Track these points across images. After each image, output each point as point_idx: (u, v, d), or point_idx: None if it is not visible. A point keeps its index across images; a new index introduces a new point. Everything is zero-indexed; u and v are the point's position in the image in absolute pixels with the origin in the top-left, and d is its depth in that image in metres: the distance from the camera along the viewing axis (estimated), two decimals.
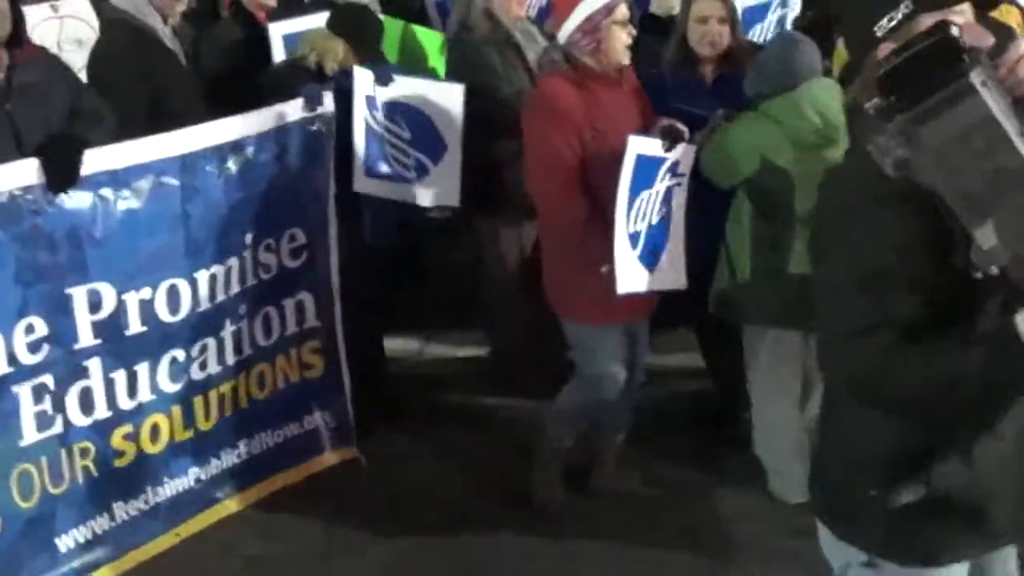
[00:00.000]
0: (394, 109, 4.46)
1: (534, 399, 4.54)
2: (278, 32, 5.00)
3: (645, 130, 3.81)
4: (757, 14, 5.60)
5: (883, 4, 2.02)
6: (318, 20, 4.73)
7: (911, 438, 2.06)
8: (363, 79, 4.38)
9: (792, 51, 3.98)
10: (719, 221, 4.06)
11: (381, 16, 5.05)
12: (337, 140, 4.23)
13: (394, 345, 5.26)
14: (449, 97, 4.44)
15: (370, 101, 4.40)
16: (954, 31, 1.82)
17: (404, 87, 4.47)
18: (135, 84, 4.28)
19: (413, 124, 4.47)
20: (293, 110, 4.07)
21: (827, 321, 2.05)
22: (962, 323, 1.92)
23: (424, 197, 4.56)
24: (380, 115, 4.45)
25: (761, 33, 5.60)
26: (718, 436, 4.56)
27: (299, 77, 4.34)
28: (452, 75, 4.94)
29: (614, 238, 3.67)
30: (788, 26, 5.39)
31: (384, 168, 4.51)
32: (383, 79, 4.41)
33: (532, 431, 4.31)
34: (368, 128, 4.44)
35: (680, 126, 3.85)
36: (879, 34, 2.01)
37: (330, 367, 4.39)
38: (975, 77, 1.76)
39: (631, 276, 3.76)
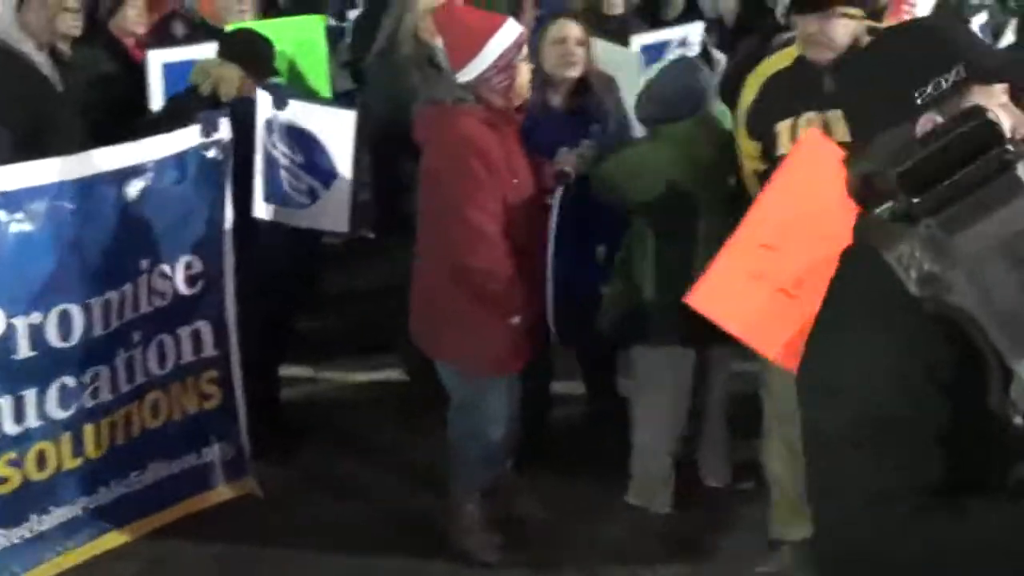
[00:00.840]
0: (289, 133, 4.48)
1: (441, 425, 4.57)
2: (157, 60, 4.96)
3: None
4: (655, 53, 5.73)
5: (927, 64, 1.67)
6: (201, 50, 4.73)
7: None
8: (264, 102, 4.40)
9: (693, 76, 4.11)
10: (586, 248, 4.14)
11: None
12: (233, 168, 4.21)
13: (290, 372, 5.23)
14: (341, 123, 4.48)
15: (268, 125, 4.41)
16: (992, 115, 1.54)
17: (299, 111, 4.49)
18: (4, 110, 4.17)
19: (306, 149, 4.50)
20: (190, 136, 4.06)
21: (820, 479, 1.65)
22: (990, 483, 1.55)
23: (315, 223, 4.60)
24: (277, 139, 4.46)
25: None
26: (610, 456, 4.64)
27: (194, 105, 4.33)
28: (373, 90, 5.01)
29: (548, 292, 3.75)
30: None
31: (280, 193, 4.52)
32: (279, 103, 4.42)
33: (433, 459, 4.31)
34: (267, 153, 4.44)
35: (568, 169, 3.94)
36: (920, 101, 1.66)
37: (227, 397, 4.34)
38: None
39: (556, 324, 3.85)
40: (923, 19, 2.33)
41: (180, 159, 4.04)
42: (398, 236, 4.83)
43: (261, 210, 4.47)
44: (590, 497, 4.49)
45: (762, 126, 3.78)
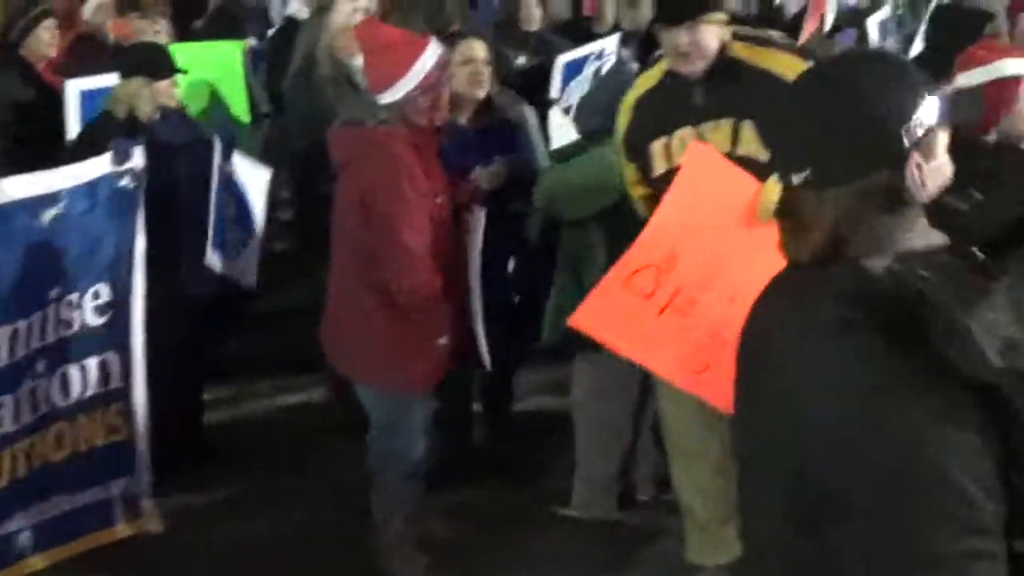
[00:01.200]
0: (228, 185, 4.57)
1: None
2: (75, 88, 4.96)
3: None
4: (574, 69, 5.78)
5: (907, 102, 1.56)
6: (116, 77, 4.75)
7: None
8: (218, 151, 4.53)
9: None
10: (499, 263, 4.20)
11: None
12: (157, 193, 4.19)
13: (212, 394, 5.21)
14: (257, 180, 4.58)
15: (219, 173, 4.52)
16: None
17: (237, 164, 4.69)
18: None
19: (238, 203, 4.62)
20: (101, 165, 4.02)
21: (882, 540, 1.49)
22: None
23: (232, 272, 4.73)
24: (221, 188, 4.57)
25: (578, 86, 5.77)
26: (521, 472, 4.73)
27: (110, 130, 4.30)
28: (291, 109, 5.03)
29: (475, 314, 3.79)
30: None
31: (222, 242, 4.62)
32: (226, 153, 4.48)
33: (356, 480, 4.30)
34: (216, 201, 4.54)
35: (485, 186, 3.97)
36: (907, 143, 1.55)
37: (135, 430, 4.24)
38: None
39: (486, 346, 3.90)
40: (873, 50, 2.20)
41: (91, 187, 4.00)
42: (320, 255, 4.84)
43: (209, 258, 4.55)
44: (508, 513, 4.53)
45: (638, 149, 3.73)
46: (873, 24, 6.56)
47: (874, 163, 1.56)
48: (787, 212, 1.64)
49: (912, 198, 1.57)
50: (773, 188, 3.08)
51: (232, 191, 4.67)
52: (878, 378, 1.49)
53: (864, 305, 1.51)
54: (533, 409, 5.28)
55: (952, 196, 1.53)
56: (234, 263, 4.72)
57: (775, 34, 3.76)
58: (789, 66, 3.35)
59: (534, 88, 5.51)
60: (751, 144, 3.40)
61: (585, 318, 3.40)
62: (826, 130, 1.58)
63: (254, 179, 4.69)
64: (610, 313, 3.35)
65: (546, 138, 5.03)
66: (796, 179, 1.60)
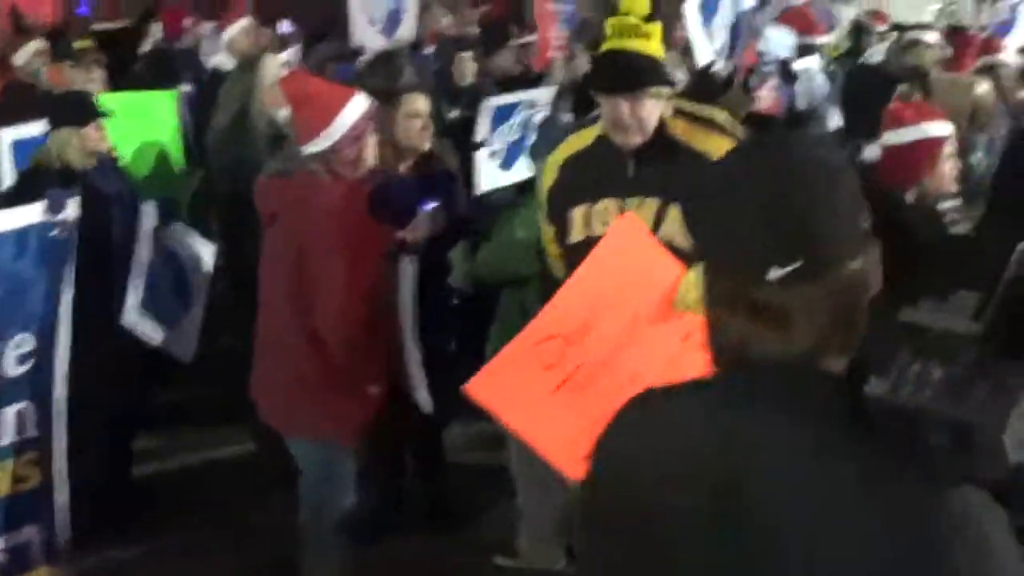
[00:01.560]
0: (166, 252, 4.60)
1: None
2: (7, 138, 4.96)
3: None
4: (504, 114, 5.82)
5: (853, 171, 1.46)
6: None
7: None
8: (149, 215, 4.54)
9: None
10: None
11: None
12: (90, 241, 4.14)
13: (137, 444, 5.15)
14: (203, 253, 4.60)
15: (152, 237, 4.54)
16: None
17: (177, 232, 4.68)
18: None
19: (176, 271, 4.62)
20: (33, 213, 3.98)
21: None
22: None
23: (167, 344, 4.73)
24: (155, 254, 4.58)
25: (509, 132, 5.82)
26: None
27: (44, 182, 4.29)
28: (214, 160, 5.02)
29: (410, 359, 3.83)
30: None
31: (149, 307, 4.60)
32: (165, 219, 4.51)
33: (289, 534, 4.27)
34: (148, 264, 4.55)
35: (419, 235, 4.00)
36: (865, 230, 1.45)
37: (47, 479, 4.14)
38: None
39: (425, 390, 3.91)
40: (803, 131, 2.02)
41: (20, 235, 3.93)
42: (248, 304, 4.82)
43: (129, 317, 4.52)
44: (446, 564, 4.53)
45: (558, 211, 3.55)
46: (800, 69, 6.59)
47: (861, 249, 1.42)
48: (758, 307, 1.42)
49: (872, 287, 1.45)
50: (695, 281, 2.99)
51: (170, 261, 4.66)
52: (902, 494, 1.32)
53: (855, 414, 1.40)
54: (468, 463, 5.27)
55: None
56: (169, 334, 4.70)
57: (719, 114, 3.50)
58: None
59: (466, 141, 5.53)
60: (673, 227, 3.23)
61: (481, 388, 3.07)
62: (819, 215, 1.39)
63: (196, 250, 4.72)
64: (507, 383, 3.08)
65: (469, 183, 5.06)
66: (780, 272, 1.38)
